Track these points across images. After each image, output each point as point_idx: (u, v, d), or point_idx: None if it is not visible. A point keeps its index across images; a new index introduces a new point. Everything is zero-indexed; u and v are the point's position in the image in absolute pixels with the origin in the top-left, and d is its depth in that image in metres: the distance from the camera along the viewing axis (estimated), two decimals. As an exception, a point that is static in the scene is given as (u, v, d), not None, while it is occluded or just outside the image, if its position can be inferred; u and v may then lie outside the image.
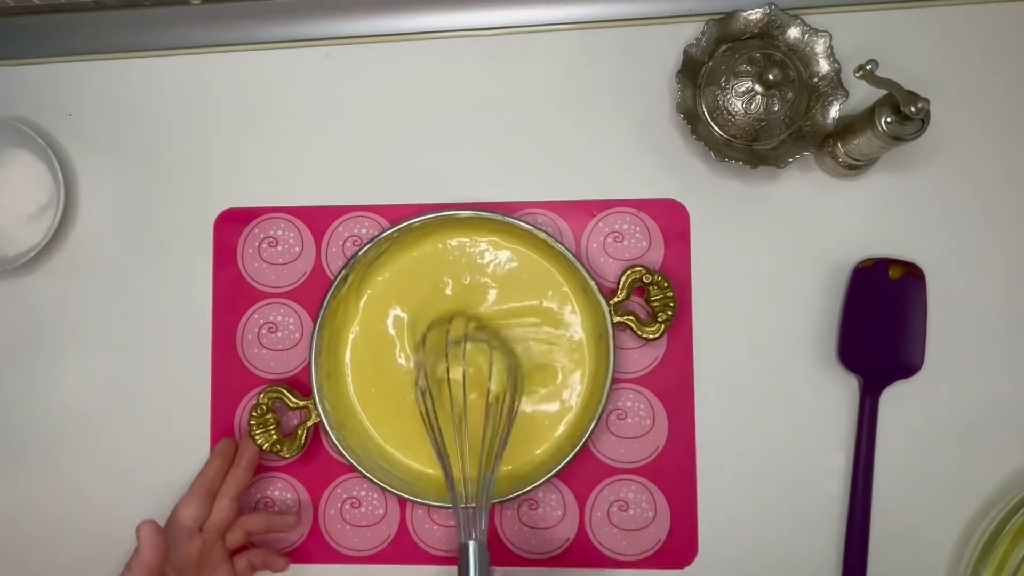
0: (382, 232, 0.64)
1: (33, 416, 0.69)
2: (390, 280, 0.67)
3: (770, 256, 0.66)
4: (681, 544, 0.64)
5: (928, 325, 0.63)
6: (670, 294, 0.63)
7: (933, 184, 0.65)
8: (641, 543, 0.65)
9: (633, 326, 0.63)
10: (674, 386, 0.65)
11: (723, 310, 0.65)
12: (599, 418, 0.62)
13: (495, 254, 0.66)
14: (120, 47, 0.71)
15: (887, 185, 0.65)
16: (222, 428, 0.68)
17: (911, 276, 0.63)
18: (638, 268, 0.63)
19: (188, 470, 0.66)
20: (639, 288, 0.64)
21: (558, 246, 0.63)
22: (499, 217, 0.64)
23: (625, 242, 0.66)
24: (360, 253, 0.64)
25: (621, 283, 0.63)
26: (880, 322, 0.63)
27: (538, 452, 0.65)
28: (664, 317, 0.63)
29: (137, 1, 0.71)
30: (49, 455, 0.69)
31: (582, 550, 0.65)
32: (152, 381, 0.68)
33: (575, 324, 0.66)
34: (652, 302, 0.63)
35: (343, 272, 0.64)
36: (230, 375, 0.68)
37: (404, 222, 0.64)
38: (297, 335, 0.68)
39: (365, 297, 0.67)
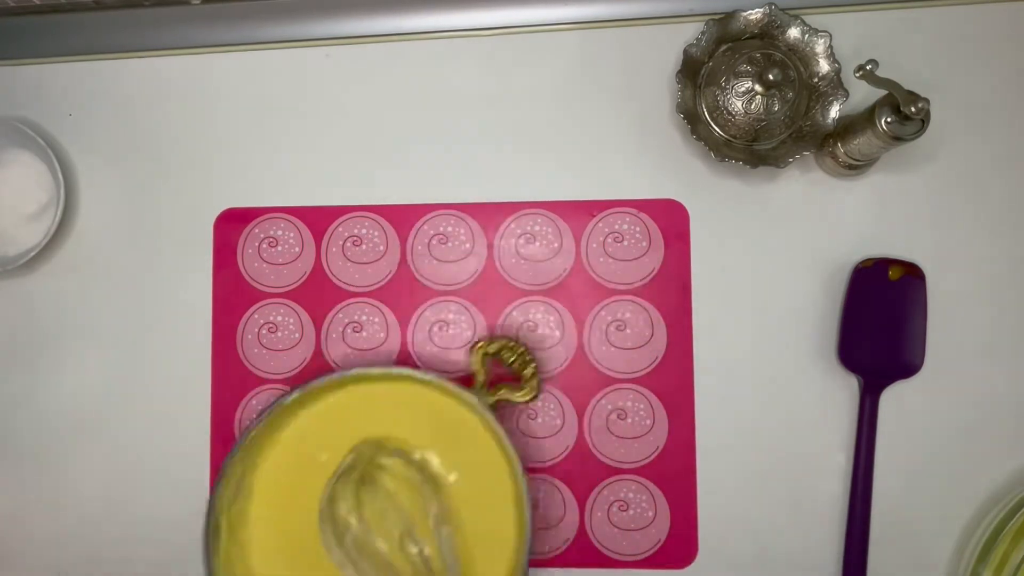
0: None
1: (33, 416, 0.69)
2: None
3: (770, 256, 0.66)
4: (681, 544, 0.64)
5: (928, 325, 0.63)
6: (521, 350, 0.62)
7: (933, 184, 0.65)
8: (641, 543, 0.65)
9: (508, 397, 0.61)
10: (674, 386, 0.65)
11: (723, 310, 0.65)
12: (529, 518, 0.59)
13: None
14: (120, 47, 0.71)
15: (887, 185, 0.65)
16: (222, 428, 0.68)
17: (911, 276, 0.63)
18: (479, 344, 0.62)
19: (188, 470, 0.66)
20: (494, 361, 0.62)
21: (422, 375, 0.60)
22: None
23: (625, 242, 0.66)
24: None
25: (473, 363, 0.61)
26: (880, 322, 0.63)
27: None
28: (530, 372, 0.61)
29: (137, 1, 0.71)
30: (49, 455, 0.69)
31: (582, 550, 0.65)
32: (152, 381, 0.68)
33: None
34: (512, 365, 0.62)
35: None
36: (230, 375, 0.68)
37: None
38: (297, 335, 0.68)
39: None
